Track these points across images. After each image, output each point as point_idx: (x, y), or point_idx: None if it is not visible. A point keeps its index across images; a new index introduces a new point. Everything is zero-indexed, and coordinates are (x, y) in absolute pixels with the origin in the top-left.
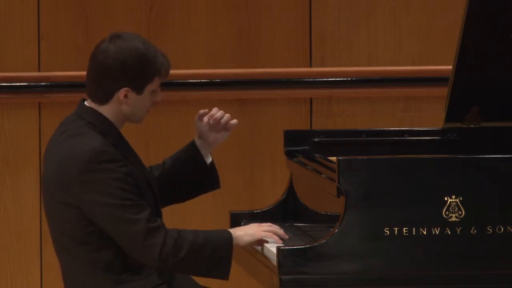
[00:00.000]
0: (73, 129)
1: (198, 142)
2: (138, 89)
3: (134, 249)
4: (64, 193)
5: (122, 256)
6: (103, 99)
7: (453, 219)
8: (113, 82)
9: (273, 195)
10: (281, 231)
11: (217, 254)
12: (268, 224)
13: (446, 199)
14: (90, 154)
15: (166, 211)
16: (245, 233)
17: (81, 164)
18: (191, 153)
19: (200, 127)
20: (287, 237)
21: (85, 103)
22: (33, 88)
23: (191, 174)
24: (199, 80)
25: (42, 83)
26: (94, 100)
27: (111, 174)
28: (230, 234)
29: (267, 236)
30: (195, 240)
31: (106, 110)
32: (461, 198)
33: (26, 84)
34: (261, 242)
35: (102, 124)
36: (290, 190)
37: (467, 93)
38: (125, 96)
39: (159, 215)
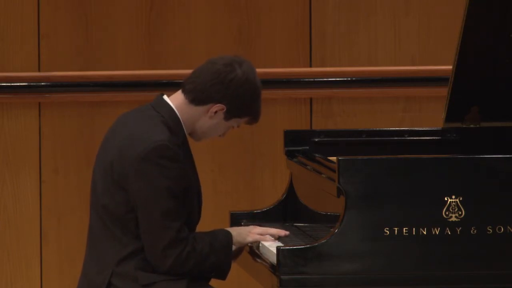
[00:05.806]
0: (146, 113)
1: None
2: (229, 115)
3: (151, 250)
4: (119, 169)
5: None
6: (198, 101)
7: (453, 219)
8: (219, 94)
9: (273, 195)
10: (273, 230)
11: (218, 260)
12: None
13: (446, 199)
14: (156, 145)
15: None
16: (239, 233)
17: (144, 150)
18: None
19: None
20: (283, 233)
21: (164, 97)
22: (33, 88)
23: None
24: None
25: (42, 83)
26: (188, 95)
27: (167, 171)
28: (231, 238)
29: (260, 239)
30: (203, 250)
31: (187, 110)
32: (461, 198)
33: (26, 84)
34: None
35: (173, 122)
36: (290, 190)
37: (467, 93)
38: (216, 112)
39: (199, 219)
